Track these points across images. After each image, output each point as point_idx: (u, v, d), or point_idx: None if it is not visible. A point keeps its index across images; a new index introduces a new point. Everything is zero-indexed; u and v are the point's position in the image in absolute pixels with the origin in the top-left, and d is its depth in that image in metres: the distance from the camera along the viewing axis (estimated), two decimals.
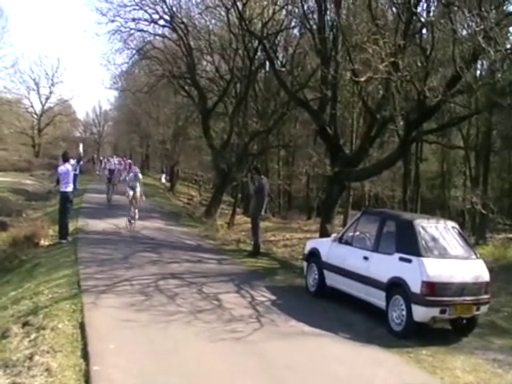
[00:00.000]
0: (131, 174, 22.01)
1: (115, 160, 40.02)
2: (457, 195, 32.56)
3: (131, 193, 20.76)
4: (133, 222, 20.94)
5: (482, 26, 13.36)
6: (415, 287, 9.78)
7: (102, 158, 55.82)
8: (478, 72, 23.99)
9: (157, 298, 11.18)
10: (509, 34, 19.93)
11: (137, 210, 21.12)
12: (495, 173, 33.79)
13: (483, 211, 19.66)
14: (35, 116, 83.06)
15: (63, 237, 17.86)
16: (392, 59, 13.99)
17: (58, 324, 9.22)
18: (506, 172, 34.96)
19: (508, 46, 15.60)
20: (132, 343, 8.43)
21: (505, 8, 16.54)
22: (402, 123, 17.52)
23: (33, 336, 8.80)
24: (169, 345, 8.46)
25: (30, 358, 7.82)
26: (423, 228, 10.58)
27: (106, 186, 30.74)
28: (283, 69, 24.34)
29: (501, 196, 33.74)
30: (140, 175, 21.64)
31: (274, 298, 12.07)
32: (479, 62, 21.01)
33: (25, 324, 9.48)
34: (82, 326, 9.11)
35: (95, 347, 8.09)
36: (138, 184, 21.03)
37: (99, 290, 11.41)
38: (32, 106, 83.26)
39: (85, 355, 7.85)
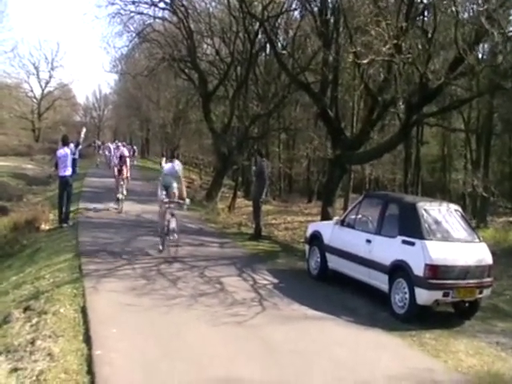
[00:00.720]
0: (169, 166, 15.34)
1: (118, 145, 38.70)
2: (457, 178, 32.54)
3: (163, 193, 14.33)
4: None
5: (486, 7, 13.28)
6: (418, 270, 9.74)
7: (100, 143, 54.74)
8: (480, 55, 23.82)
9: (159, 281, 11.16)
10: (511, 17, 19.85)
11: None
12: (496, 156, 33.71)
13: (485, 194, 19.67)
14: (35, 100, 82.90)
15: (64, 221, 17.79)
16: (395, 41, 13.89)
17: (59, 308, 9.20)
18: (507, 155, 34.89)
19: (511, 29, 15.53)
20: (134, 327, 8.41)
21: None
22: (402, 106, 17.47)
23: (34, 321, 8.78)
24: (171, 329, 8.44)
25: (32, 342, 7.80)
26: (426, 211, 10.52)
27: (115, 180, 22.00)
28: (284, 51, 24.21)
29: (501, 179, 33.74)
30: (180, 167, 15.33)
31: (276, 281, 12.04)
32: (481, 45, 20.83)
33: (26, 309, 9.46)
34: (83, 311, 9.09)
35: (97, 332, 8.06)
36: (175, 181, 14.86)
37: (101, 274, 11.40)
38: (32, 91, 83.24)
39: (87, 340, 7.83)
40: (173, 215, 13.59)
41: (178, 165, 15.27)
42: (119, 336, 7.99)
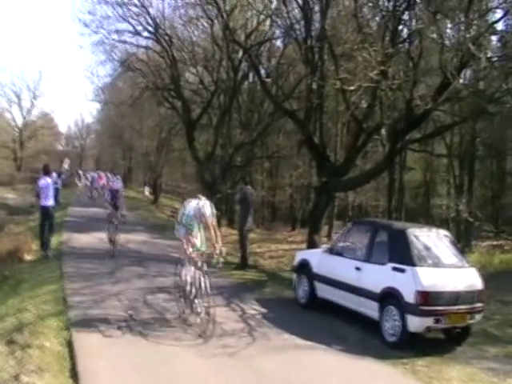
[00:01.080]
0: (191, 207, 10.92)
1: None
2: (440, 203, 32.58)
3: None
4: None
5: (473, 33, 13.39)
6: (409, 297, 9.64)
7: (81, 172, 52.69)
8: (461, 80, 24.07)
9: (146, 312, 10.96)
10: (492, 43, 20.07)
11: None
12: (478, 181, 33.83)
13: (470, 219, 19.69)
14: (17, 129, 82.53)
15: (44, 249, 17.54)
16: (381, 67, 13.93)
17: (44, 342, 8.97)
18: (489, 180, 35.06)
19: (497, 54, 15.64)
20: (122, 360, 8.21)
21: (488, 18, 16.48)
22: (385, 133, 17.50)
23: (18, 354, 8.53)
24: (161, 361, 8.25)
25: (16, 377, 7.56)
26: (416, 237, 10.46)
27: (107, 217, 18.79)
28: (268, 79, 24.25)
29: (484, 203, 33.81)
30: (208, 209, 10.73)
31: (264, 310, 11.87)
32: (463, 71, 21.04)
33: (9, 342, 9.20)
34: (69, 344, 8.87)
35: (84, 365, 7.86)
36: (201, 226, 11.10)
37: (86, 306, 11.18)
38: (13, 119, 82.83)
39: (74, 374, 7.64)
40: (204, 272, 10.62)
41: (205, 204, 10.75)
42: (107, 370, 7.78)
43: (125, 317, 10.52)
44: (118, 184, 20.35)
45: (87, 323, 10.01)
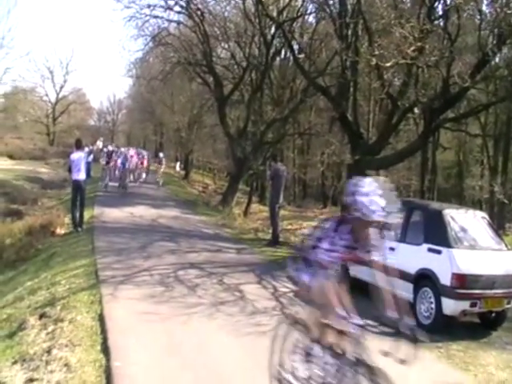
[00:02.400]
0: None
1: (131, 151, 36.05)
2: (473, 184, 32.15)
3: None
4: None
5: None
6: (445, 279, 9.44)
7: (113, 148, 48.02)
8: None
9: (177, 289, 10.90)
10: None
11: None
12: None
13: (505, 201, 19.33)
14: (50, 104, 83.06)
15: (79, 225, 17.61)
16: (418, 43, 13.65)
17: (76, 316, 8.98)
18: None
19: None
20: (153, 337, 8.13)
21: None
22: (419, 111, 17.19)
23: (50, 328, 8.55)
24: (192, 339, 8.16)
25: (48, 351, 7.56)
26: (452, 218, 10.23)
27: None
28: (301, 55, 24.00)
29: None
30: None
31: (295, 288, 11.75)
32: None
33: (42, 316, 9.23)
34: (101, 319, 8.85)
35: (115, 341, 7.81)
36: None
37: (118, 281, 11.16)
38: (47, 95, 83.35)
39: (105, 350, 7.58)
40: None
41: None
42: (138, 346, 7.72)
43: (156, 292, 10.49)
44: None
45: (119, 298, 9.98)
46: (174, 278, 11.72)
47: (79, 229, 17.49)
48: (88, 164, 18.18)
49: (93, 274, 11.81)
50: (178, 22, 31.85)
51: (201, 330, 8.61)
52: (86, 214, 18.93)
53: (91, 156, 18.40)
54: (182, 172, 52.14)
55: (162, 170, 37.30)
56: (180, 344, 8.00)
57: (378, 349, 5.06)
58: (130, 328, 8.42)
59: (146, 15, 29.54)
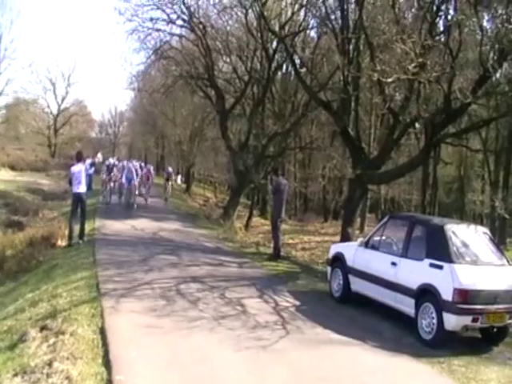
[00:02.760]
0: None
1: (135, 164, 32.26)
2: (475, 199, 32.19)
3: None
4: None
5: None
6: (447, 294, 9.43)
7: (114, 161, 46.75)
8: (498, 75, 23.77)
9: (178, 302, 10.88)
10: None
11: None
12: None
13: (506, 215, 19.33)
14: (51, 116, 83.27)
15: (79, 237, 17.59)
16: (420, 59, 13.71)
17: (77, 329, 8.95)
18: None
19: None
20: (155, 351, 8.12)
21: None
22: (420, 126, 17.24)
23: (51, 341, 8.52)
24: (193, 353, 8.14)
25: (49, 364, 7.53)
26: (454, 233, 10.24)
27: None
28: (303, 69, 24.09)
29: None
30: None
31: (297, 303, 11.75)
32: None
33: (43, 328, 9.20)
34: (102, 332, 8.83)
35: (117, 355, 7.79)
36: None
37: (119, 294, 11.14)
38: (48, 106, 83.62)
39: (106, 363, 7.56)
40: None
41: None
42: (140, 360, 7.70)
43: (158, 305, 10.48)
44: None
45: (120, 311, 9.97)
46: (175, 292, 11.69)
47: (80, 241, 17.47)
48: (90, 176, 18.15)
49: (94, 286, 11.80)
50: (180, 36, 32.00)
51: (202, 343, 8.59)
52: (88, 227, 18.92)
53: (93, 168, 18.38)
54: (184, 185, 52.21)
55: (170, 185, 36.00)
56: (181, 358, 7.98)
57: None
58: (131, 341, 8.41)
59: (149, 28, 29.73)
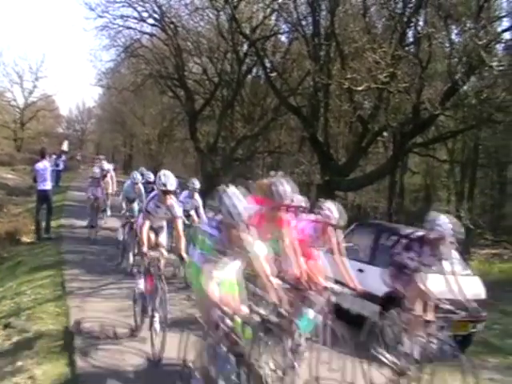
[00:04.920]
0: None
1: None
2: (440, 209, 32.57)
3: None
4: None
5: (482, 41, 13.33)
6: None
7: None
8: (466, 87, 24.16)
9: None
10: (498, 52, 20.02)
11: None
12: (479, 188, 33.82)
13: (470, 226, 19.64)
14: (18, 110, 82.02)
15: (45, 233, 17.42)
16: (390, 69, 13.91)
17: (41, 327, 8.89)
18: (490, 188, 35.03)
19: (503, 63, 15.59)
20: (121, 352, 8.07)
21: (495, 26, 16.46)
22: (387, 135, 17.47)
23: (15, 339, 8.47)
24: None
25: (12, 363, 7.49)
26: None
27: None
28: (273, 73, 24.19)
29: (484, 212, 33.80)
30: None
31: None
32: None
33: (6, 326, 9.16)
34: (67, 331, 8.76)
35: (82, 355, 7.74)
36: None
37: (85, 293, 11.05)
38: (15, 100, 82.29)
39: (71, 363, 7.50)
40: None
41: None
42: (105, 360, 7.66)
43: (125, 305, 10.39)
44: None
45: (86, 310, 9.89)
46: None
47: (46, 236, 17.30)
48: (58, 172, 17.94)
49: (59, 284, 11.69)
50: (151, 35, 31.91)
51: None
52: (54, 223, 18.71)
53: (62, 163, 18.20)
54: None
55: None
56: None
57: None
58: (97, 342, 8.35)
59: (119, 26, 29.68)
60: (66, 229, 19.40)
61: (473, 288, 10.12)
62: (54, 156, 17.79)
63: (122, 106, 49.06)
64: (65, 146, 18.49)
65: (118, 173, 42.75)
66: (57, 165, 17.64)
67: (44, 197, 17.37)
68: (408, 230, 11.50)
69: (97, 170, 17.17)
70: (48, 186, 17.34)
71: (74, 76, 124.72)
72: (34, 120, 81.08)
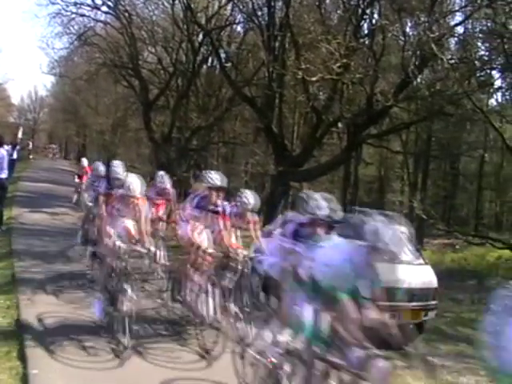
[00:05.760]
0: None
1: None
2: (394, 200, 32.99)
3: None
4: None
5: (435, 34, 13.48)
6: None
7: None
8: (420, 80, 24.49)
9: (98, 294, 10.71)
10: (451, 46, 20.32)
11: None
12: (431, 180, 34.36)
13: (423, 216, 19.91)
14: None
15: None
16: (344, 60, 13.98)
17: None
18: (442, 180, 35.63)
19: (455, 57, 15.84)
20: (73, 344, 7.96)
21: (448, 20, 16.69)
22: (341, 126, 17.58)
23: None
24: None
25: None
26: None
27: None
28: (228, 64, 24.13)
29: (436, 202, 34.36)
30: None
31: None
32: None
33: None
34: (18, 324, 8.62)
35: (33, 348, 7.61)
36: None
37: (36, 285, 10.84)
38: None
39: (22, 357, 7.36)
40: None
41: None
42: (57, 354, 7.54)
43: (76, 298, 10.28)
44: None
45: (37, 303, 9.72)
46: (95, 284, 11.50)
47: (1, 227, 16.99)
48: (12, 161, 17.56)
49: (9, 277, 11.50)
50: (105, 23, 31.39)
51: None
52: (4, 215, 18.36)
53: (15, 153, 17.79)
54: None
55: None
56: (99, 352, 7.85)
57: None
58: (48, 334, 8.22)
59: (72, 13, 29.00)
60: (17, 220, 19.06)
61: (424, 276, 10.26)
62: (7, 146, 17.33)
63: (75, 96, 48.33)
64: (20, 134, 18.15)
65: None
66: (11, 154, 17.17)
67: (1, 185, 17.00)
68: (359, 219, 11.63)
69: (101, 167, 13.98)
70: (4, 174, 16.94)
71: (26, 63, 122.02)
72: None
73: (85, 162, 22.85)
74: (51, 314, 9.17)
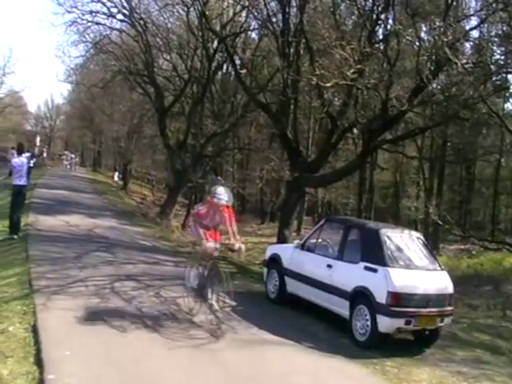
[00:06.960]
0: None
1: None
2: (409, 205, 32.89)
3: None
4: None
5: (449, 38, 13.42)
6: (380, 297, 9.62)
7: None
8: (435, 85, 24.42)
9: (113, 300, 10.73)
10: (466, 50, 20.23)
11: None
12: (447, 185, 34.27)
13: (439, 222, 19.83)
14: None
15: (14, 232, 17.18)
16: (358, 66, 13.95)
17: (8, 327, 8.73)
18: (458, 185, 35.53)
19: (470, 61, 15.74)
20: (88, 350, 7.96)
21: (463, 24, 16.64)
22: (356, 131, 17.53)
23: None
24: (127, 352, 8.06)
25: None
26: (389, 237, 10.45)
27: None
28: (243, 70, 24.17)
29: (452, 208, 34.25)
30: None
31: (233, 303, 11.73)
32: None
33: None
34: (34, 330, 8.63)
35: (49, 353, 7.61)
36: None
37: (52, 291, 10.88)
38: None
39: (38, 362, 7.38)
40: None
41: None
42: (73, 359, 7.55)
43: (91, 303, 10.33)
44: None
45: (53, 308, 9.73)
46: (109, 290, 11.53)
47: (15, 236, 17.07)
48: (29, 169, 17.75)
49: (26, 283, 11.52)
50: (121, 31, 31.74)
51: (137, 342, 8.52)
52: (21, 221, 18.47)
53: (33, 160, 17.95)
54: (120, 182, 51.57)
55: None
56: (115, 357, 7.88)
57: None
58: (64, 340, 8.24)
59: (88, 21, 29.43)
60: (33, 227, 19.17)
61: (440, 282, 10.21)
62: (28, 154, 17.60)
63: (91, 103, 48.69)
64: (37, 142, 18.28)
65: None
66: (28, 162, 17.35)
67: (19, 192, 17.18)
68: (375, 225, 11.62)
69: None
70: (24, 181, 17.19)
71: (42, 72, 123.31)
72: (1, 117, 79.78)
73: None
74: (67, 319, 9.21)
